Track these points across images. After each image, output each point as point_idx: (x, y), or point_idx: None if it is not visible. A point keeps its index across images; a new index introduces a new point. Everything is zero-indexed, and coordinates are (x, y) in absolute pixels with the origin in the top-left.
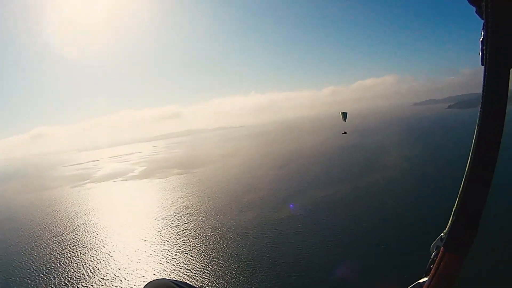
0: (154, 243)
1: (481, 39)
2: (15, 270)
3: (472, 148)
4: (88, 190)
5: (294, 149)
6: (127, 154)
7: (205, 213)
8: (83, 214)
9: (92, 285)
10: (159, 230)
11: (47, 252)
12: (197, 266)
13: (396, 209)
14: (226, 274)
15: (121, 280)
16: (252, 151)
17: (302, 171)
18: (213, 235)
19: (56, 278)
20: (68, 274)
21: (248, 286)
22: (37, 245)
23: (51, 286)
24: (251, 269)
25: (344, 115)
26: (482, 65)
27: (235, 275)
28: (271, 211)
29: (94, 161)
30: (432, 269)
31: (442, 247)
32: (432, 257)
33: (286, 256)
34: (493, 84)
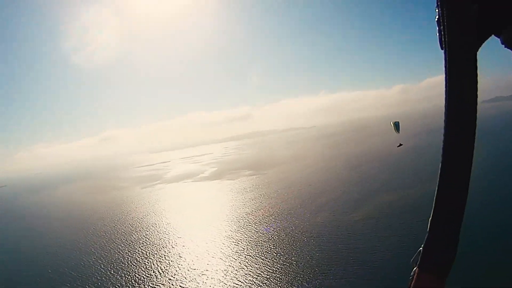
0: (224, 244)
1: (436, 18)
2: (84, 268)
3: (442, 151)
4: (159, 190)
5: (365, 150)
6: (198, 156)
7: (276, 215)
8: (153, 214)
9: (162, 284)
10: (230, 232)
11: (116, 251)
12: (268, 269)
13: (470, 215)
14: (299, 277)
15: (190, 281)
16: (323, 152)
17: (374, 173)
18: (285, 238)
19: (124, 277)
20: (136, 273)
21: None
22: (106, 244)
23: (119, 285)
24: (324, 274)
25: (396, 125)
26: (442, 49)
27: (308, 278)
28: (344, 214)
29: (165, 162)
30: None
31: (416, 267)
32: (411, 274)
33: (359, 261)
34: (458, 73)
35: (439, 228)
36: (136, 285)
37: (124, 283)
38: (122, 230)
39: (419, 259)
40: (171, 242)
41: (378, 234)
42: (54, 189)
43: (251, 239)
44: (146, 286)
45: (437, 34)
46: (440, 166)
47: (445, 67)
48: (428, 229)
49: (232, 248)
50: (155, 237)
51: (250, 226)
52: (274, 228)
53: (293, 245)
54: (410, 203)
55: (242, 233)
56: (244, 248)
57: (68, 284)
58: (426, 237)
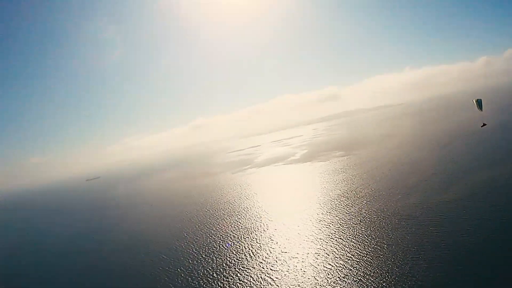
0: (316, 227)
1: None
2: (177, 252)
3: None
4: (250, 175)
5: (454, 127)
6: (288, 138)
7: (368, 196)
8: (245, 198)
9: (253, 267)
10: (321, 214)
11: (208, 236)
12: (358, 253)
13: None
14: (389, 261)
15: (282, 263)
16: (412, 130)
17: (463, 151)
18: (376, 220)
19: (215, 260)
20: (227, 257)
21: (411, 276)
22: (199, 229)
23: (212, 266)
24: (414, 258)
25: (479, 103)
26: None
27: (398, 262)
28: (435, 195)
29: (255, 146)
30: None
31: None
32: None
33: (449, 244)
34: None
35: None
36: (227, 268)
37: (215, 266)
38: (214, 215)
39: None
40: (262, 226)
41: (469, 216)
42: (146, 179)
43: (342, 222)
44: (237, 269)
45: None
46: None
47: None
48: None
49: (323, 230)
50: (246, 220)
51: (341, 208)
52: (366, 210)
53: (384, 228)
54: (501, 183)
55: (333, 215)
56: (336, 230)
57: (160, 268)
58: None
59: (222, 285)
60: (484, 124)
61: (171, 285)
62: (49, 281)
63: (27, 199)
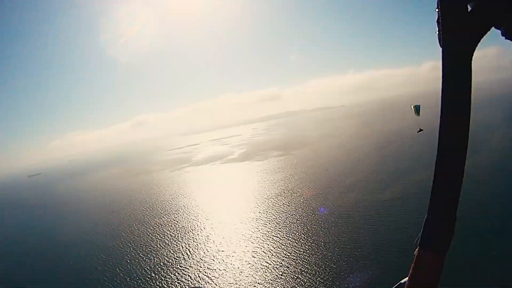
0: (253, 226)
1: (436, 19)
2: (115, 251)
3: (438, 140)
4: (187, 173)
5: (395, 129)
6: (227, 137)
7: (305, 196)
8: (182, 196)
9: (190, 266)
10: (259, 213)
11: (146, 234)
12: (297, 250)
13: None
14: (326, 258)
15: (219, 262)
16: (352, 132)
17: (402, 153)
18: (314, 218)
19: (154, 259)
20: (166, 254)
21: (349, 273)
22: (136, 227)
23: (148, 267)
24: (352, 255)
25: (417, 108)
26: (440, 46)
27: (336, 259)
28: (373, 194)
29: (194, 145)
30: (410, 269)
31: (418, 246)
32: (413, 254)
33: (387, 241)
34: (452, 72)
35: (437, 209)
36: (165, 267)
37: (153, 265)
38: (152, 213)
39: (419, 239)
40: (200, 225)
41: (405, 215)
42: (86, 175)
43: (279, 220)
44: (174, 268)
45: (436, 33)
46: (436, 154)
47: (442, 64)
48: (427, 211)
49: (260, 229)
50: (184, 219)
51: (278, 207)
52: (303, 208)
53: (321, 226)
54: None
55: (270, 214)
56: (272, 229)
57: (99, 267)
58: (425, 218)
59: (160, 284)
60: (420, 130)
61: (110, 285)
62: None
63: None
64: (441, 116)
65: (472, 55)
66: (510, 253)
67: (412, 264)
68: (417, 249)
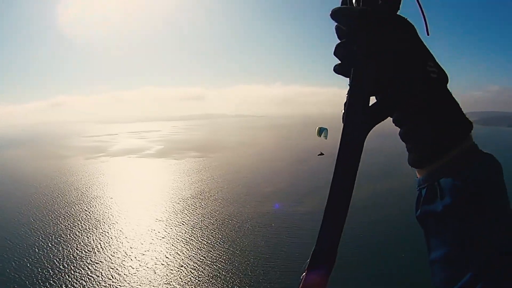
0: (168, 225)
1: (345, 102)
2: (23, 238)
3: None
4: (103, 163)
5: (316, 145)
6: (145, 131)
7: (222, 200)
8: (96, 187)
9: (101, 261)
10: (174, 213)
11: (57, 222)
12: (212, 253)
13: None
14: (242, 265)
15: (131, 260)
16: (272, 142)
17: (321, 169)
18: (230, 223)
19: (65, 250)
20: (77, 246)
21: (265, 279)
22: (46, 215)
23: (58, 257)
24: (268, 263)
25: (322, 131)
26: (342, 122)
27: (252, 267)
28: (291, 206)
29: (112, 134)
30: None
31: (305, 270)
32: (300, 278)
33: (302, 253)
34: (347, 148)
35: (323, 243)
36: (76, 259)
37: (64, 256)
38: (63, 201)
39: (307, 265)
40: (113, 218)
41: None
42: None
43: (194, 222)
44: (86, 262)
45: (342, 111)
46: (326, 202)
47: (341, 138)
48: (316, 243)
49: (175, 229)
50: (97, 211)
51: (194, 209)
52: (219, 213)
53: (238, 232)
54: (354, 201)
55: (185, 215)
56: (187, 230)
57: (5, 255)
58: (313, 249)
59: (72, 276)
60: (321, 153)
61: (17, 275)
62: None
63: None
64: (333, 176)
65: (366, 135)
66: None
67: (300, 285)
68: (304, 273)
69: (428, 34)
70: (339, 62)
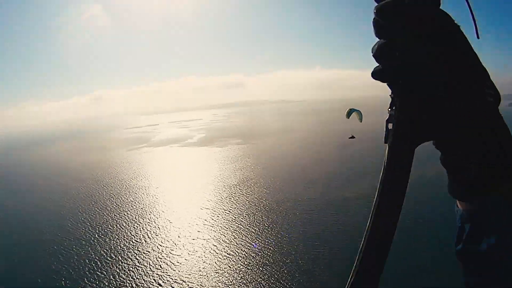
0: (215, 213)
1: (386, 119)
2: (71, 230)
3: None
4: (145, 153)
5: (357, 130)
6: (187, 120)
7: (267, 187)
8: (141, 177)
9: (149, 251)
10: (220, 201)
11: (103, 214)
12: (260, 241)
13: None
14: (291, 253)
15: (180, 249)
16: (313, 128)
17: (366, 153)
18: (277, 210)
19: (112, 241)
20: (124, 237)
21: (313, 267)
22: (93, 206)
23: (105, 249)
24: (316, 250)
25: (352, 113)
26: (385, 143)
27: (300, 254)
28: (336, 191)
29: (153, 125)
30: None
31: None
32: None
33: (349, 240)
34: (394, 166)
35: (366, 268)
36: (125, 249)
37: (111, 248)
38: (109, 193)
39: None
40: (160, 207)
41: (366, 213)
42: (39, 148)
43: (242, 209)
44: (134, 251)
45: (385, 131)
46: (369, 227)
47: (388, 156)
48: (355, 273)
49: (223, 216)
50: (144, 201)
51: (240, 196)
52: (266, 199)
53: (285, 218)
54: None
55: (232, 202)
56: (235, 217)
57: (54, 247)
58: (353, 277)
59: (120, 267)
60: (352, 137)
61: (66, 266)
62: None
63: None
64: (376, 199)
65: (413, 155)
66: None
67: None
68: None
69: (478, 38)
70: (378, 65)
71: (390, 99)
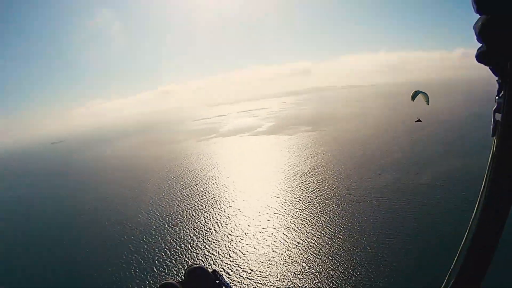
0: (285, 201)
1: (494, 108)
2: (142, 220)
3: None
4: (215, 144)
5: (426, 113)
6: (255, 110)
7: (337, 174)
8: (211, 167)
9: (218, 240)
10: (290, 189)
11: (174, 205)
12: (329, 229)
13: None
14: (361, 242)
15: (250, 238)
16: (383, 112)
17: (437, 137)
18: (348, 198)
19: (182, 231)
20: (194, 227)
21: (384, 257)
22: (164, 197)
23: (176, 239)
24: (388, 239)
25: (417, 95)
26: (492, 136)
27: (370, 243)
28: (409, 177)
29: (221, 116)
30: None
31: None
32: None
33: (425, 230)
34: (507, 162)
35: (470, 268)
36: (195, 239)
37: (182, 236)
38: (179, 184)
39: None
40: (230, 196)
41: (443, 202)
42: (110, 144)
43: (312, 197)
44: (204, 241)
45: (492, 123)
46: (480, 212)
47: (492, 156)
48: (455, 278)
49: (293, 205)
50: (214, 191)
51: (310, 184)
52: (336, 187)
53: (356, 206)
54: (473, 170)
55: (302, 190)
56: (305, 206)
57: (125, 237)
58: (457, 274)
59: (189, 256)
60: (418, 120)
61: (136, 256)
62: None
63: None
64: (483, 197)
65: None
66: None
67: None
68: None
69: None
70: (482, 46)
71: (497, 85)
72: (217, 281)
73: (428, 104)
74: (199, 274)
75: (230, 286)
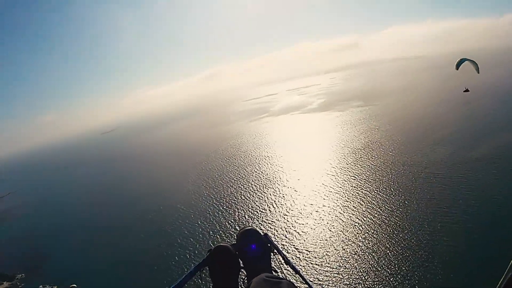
0: (340, 179)
1: None
2: (196, 202)
3: None
4: (267, 123)
5: (477, 85)
6: (305, 87)
7: (393, 149)
8: (264, 147)
9: (274, 221)
10: (345, 166)
11: (229, 185)
12: (388, 208)
13: None
14: (418, 219)
15: (306, 217)
16: (432, 85)
17: (486, 111)
18: (404, 174)
19: (236, 212)
20: (249, 207)
21: (441, 236)
22: (218, 178)
23: (230, 220)
24: (445, 217)
25: (461, 63)
26: None
27: (428, 222)
28: (463, 151)
29: (272, 95)
30: None
31: None
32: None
33: (481, 204)
34: None
35: None
36: (250, 219)
37: (237, 218)
38: (233, 165)
39: None
40: (284, 176)
41: (499, 177)
42: (161, 129)
43: (368, 174)
44: (260, 221)
45: None
46: None
47: None
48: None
49: (349, 182)
50: (268, 170)
51: (365, 160)
52: (391, 162)
53: (412, 182)
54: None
55: (358, 166)
56: (362, 183)
57: (180, 221)
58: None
59: None
60: (467, 90)
61: (191, 239)
62: (67, 231)
63: (47, 155)
64: None
65: None
66: None
67: None
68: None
69: None
70: None
71: None
72: (269, 244)
73: (478, 73)
74: (252, 233)
75: (280, 250)
